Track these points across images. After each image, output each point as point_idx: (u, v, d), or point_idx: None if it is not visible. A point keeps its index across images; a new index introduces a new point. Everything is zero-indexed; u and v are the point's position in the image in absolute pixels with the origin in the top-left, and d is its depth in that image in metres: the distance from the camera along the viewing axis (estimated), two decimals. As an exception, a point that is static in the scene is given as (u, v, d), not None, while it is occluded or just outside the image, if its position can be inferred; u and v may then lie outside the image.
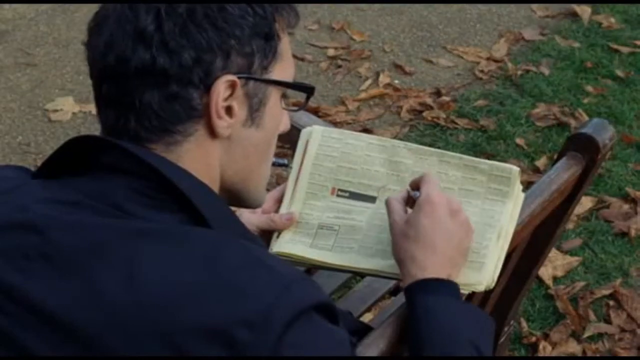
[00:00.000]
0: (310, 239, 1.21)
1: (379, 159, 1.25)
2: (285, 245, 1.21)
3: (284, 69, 1.00)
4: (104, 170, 0.93)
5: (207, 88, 0.92)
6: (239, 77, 0.93)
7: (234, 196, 1.02)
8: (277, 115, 1.01)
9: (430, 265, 1.08)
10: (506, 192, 1.20)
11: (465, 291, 1.13)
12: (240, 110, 0.95)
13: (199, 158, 0.95)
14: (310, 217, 1.23)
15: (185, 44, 0.89)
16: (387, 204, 1.14)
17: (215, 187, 0.98)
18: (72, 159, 0.95)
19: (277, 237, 1.22)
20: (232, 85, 0.93)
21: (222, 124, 0.94)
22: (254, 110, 0.97)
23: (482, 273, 1.14)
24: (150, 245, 0.87)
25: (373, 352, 1.06)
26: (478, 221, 1.18)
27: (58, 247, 0.88)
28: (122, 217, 0.89)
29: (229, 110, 0.94)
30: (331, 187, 1.25)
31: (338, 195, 1.24)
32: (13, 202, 0.93)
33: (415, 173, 1.22)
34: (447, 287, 1.08)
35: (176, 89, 0.91)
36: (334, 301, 0.93)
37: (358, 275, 1.22)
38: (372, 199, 1.23)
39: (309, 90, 1.05)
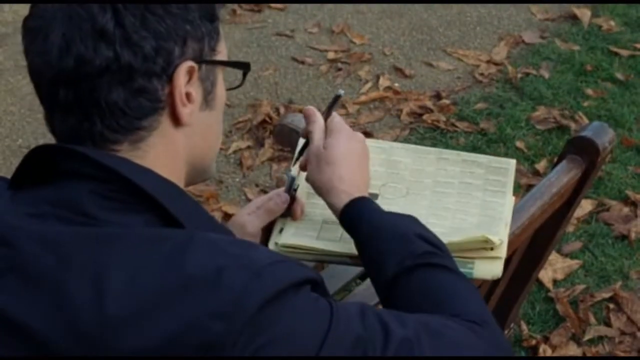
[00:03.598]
0: (316, 232, 1.22)
1: (378, 159, 1.26)
2: (290, 238, 1.21)
3: (224, 48, 1.01)
4: (66, 178, 0.91)
5: (169, 77, 0.91)
6: (195, 62, 0.93)
7: (192, 176, 1.02)
8: (223, 93, 1.02)
9: (358, 182, 1.14)
10: (505, 183, 1.21)
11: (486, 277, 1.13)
12: (197, 95, 0.95)
13: (164, 151, 0.94)
14: (314, 214, 1.24)
15: (146, 35, 0.88)
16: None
17: (182, 177, 0.98)
18: (37, 169, 0.93)
19: (280, 232, 1.22)
20: (191, 72, 0.93)
21: (186, 110, 0.94)
22: (208, 93, 0.98)
23: (496, 263, 1.14)
24: (117, 251, 0.85)
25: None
26: (482, 213, 1.19)
27: (27, 258, 0.86)
28: (88, 224, 0.88)
29: (188, 96, 0.94)
30: None
31: None
32: None
33: (414, 170, 1.23)
34: (372, 202, 1.13)
35: (142, 82, 0.90)
36: (316, 275, 0.92)
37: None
38: (374, 197, 1.24)
39: (245, 67, 1.05)
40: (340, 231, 1.20)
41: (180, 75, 0.92)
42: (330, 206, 1.15)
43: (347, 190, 1.13)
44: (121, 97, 0.89)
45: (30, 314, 0.84)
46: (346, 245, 1.18)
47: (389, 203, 1.23)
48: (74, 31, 0.88)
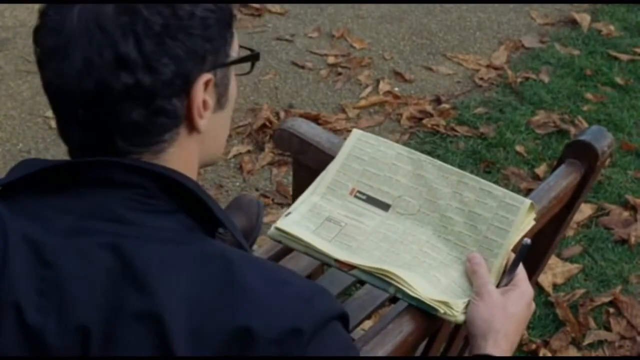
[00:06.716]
0: (315, 226, 1.24)
1: (404, 170, 1.29)
2: (290, 225, 1.22)
3: (236, 43, 1.01)
4: (90, 186, 0.91)
5: (187, 93, 0.93)
6: (211, 72, 0.94)
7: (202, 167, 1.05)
8: (234, 87, 1.03)
9: (505, 348, 1.12)
10: (512, 222, 1.22)
11: (441, 310, 1.13)
12: (211, 100, 0.97)
13: (182, 158, 0.96)
14: (322, 210, 1.26)
15: (166, 61, 0.89)
16: (482, 288, 1.15)
17: (195, 178, 1.01)
18: (47, 176, 0.93)
19: (286, 215, 1.25)
20: (207, 83, 0.94)
21: (203, 121, 0.96)
22: (222, 96, 0.99)
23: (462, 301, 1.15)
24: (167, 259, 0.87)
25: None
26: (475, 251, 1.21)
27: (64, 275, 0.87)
28: (126, 223, 0.89)
29: (204, 104, 0.95)
30: (351, 187, 1.29)
31: (356, 197, 1.28)
32: None
33: (432, 189, 1.26)
34: None
35: (161, 103, 0.91)
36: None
37: (343, 271, 1.23)
38: (385, 206, 1.27)
39: (255, 58, 1.06)
40: (335, 232, 1.22)
41: (198, 89, 0.93)
42: (477, 340, 1.12)
43: (506, 349, 1.12)
44: (142, 117, 0.90)
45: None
46: (335, 248, 1.20)
47: (397, 219, 1.25)
48: (95, 57, 0.87)
